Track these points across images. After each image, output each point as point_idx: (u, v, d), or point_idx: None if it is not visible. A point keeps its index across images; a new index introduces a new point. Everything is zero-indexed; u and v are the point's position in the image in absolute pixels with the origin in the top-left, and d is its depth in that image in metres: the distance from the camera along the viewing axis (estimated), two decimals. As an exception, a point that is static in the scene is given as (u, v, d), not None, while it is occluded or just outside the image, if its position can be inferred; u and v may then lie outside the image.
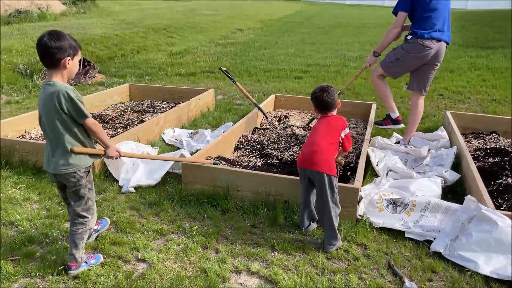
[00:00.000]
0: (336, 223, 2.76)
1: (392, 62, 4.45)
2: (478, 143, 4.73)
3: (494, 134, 4.92)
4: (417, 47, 4.21)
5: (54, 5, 16.14)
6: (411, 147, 4.42)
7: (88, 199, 2.52)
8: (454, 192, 3.58)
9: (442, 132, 4.50)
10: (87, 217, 2.53)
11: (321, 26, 16.29)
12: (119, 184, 3.64)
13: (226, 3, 24.10)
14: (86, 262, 2.57)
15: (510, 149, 4.33)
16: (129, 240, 2.84)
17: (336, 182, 2.78)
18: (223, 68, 5.17)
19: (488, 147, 4.54)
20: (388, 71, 4.57)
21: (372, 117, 4.93)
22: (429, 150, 4.25)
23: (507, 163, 3.97)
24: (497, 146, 4.53)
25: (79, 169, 2.40)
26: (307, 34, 14.16)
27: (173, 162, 3.72)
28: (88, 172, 2.49)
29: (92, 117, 2.36)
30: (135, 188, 3.59)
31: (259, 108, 5.12)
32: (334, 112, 2.99)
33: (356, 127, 5.17)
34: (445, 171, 3.68)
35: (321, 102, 2.91)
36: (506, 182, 3.54)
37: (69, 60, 2.29)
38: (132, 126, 5.02)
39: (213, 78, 8.36)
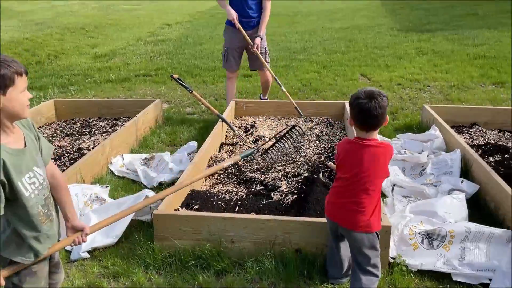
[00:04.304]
0: None
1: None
2: (464, 138, 4.35)
3: (476, 127, 4.59)
4: None
5: None
6: (404, 151, 3.92)
7: None
8: (473, 206, 3.09)
9: (435, 132, 4.04)
10: None
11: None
12: (66, 248, 2.70)
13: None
14: None
15: (509, 145, 3.99)
16: None
17: (377, 240, 2.13)
18: (175, 76, 4.29)
19: (479, 143, 4.18)
20: None
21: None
22: (428, 155, 3.77)
23: (510, 162, 3.61)
24: (488, 141, 4.19)
25: None
26: (241, 26, 13.43)
27: (135, 211, 2.84)
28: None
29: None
30: (89, 252, 2.68)
31: (223, 120, 4.34)
32: (376, 134, 2.09)
33: (334, 134, 4.56)
34: (462, 182, 3.20)
35: (366, 113, 1.98)
36: (529, 188, 3.13)
37: None
38: (68, 156, 4.02)
39: (150, 83, 7.36)
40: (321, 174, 3.40)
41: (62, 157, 3.99)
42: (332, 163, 2.93)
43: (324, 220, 2.49)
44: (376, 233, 2.11)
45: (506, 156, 3.75)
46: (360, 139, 2.07)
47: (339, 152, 2.18)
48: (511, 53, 7.92)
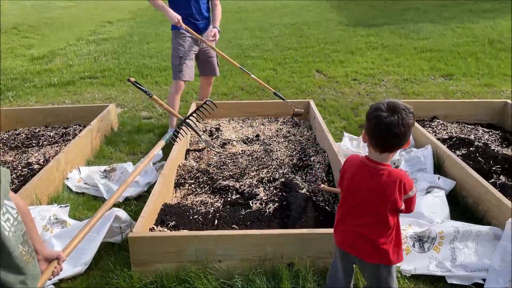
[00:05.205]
0: None
1: None
2: (428, 132, 4.41)
3: (437, 120, 4.68)
4: None
5: None
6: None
7: None
8: (450, 202, 3.09)
9: (403, 129, 4.04)
10: None
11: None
12: (27, 282, 2.37)
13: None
14: None
15: (471, 137, 4.08)
16: None
17: (394, 270, 1.90)
18: (132, 79, 3.97)
19: (443, 136, 4.25)
20: None
21: (319, 117, 4.26)
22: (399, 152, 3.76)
23: (477, 155, 3.69)
24: (450, 134, 4.28)
25: None
26: (188, 23, 13.04)
27: (104, 233, 2.56)
28: None
29: None
30: (55, 284, 2.37)
31: (187, 124, 4.09)
32: (390, 158, 1.75)
33: (302, 134, 4.46)
34: (438, 179, 3.20)
35: (385, 129, 1.64)
36: (501, 181, 3.20)
37: None
38: (16, 173, 3.61)
39: (98, 85, 6.89)
40: (298, 178, 3.28)
41: (11, 175, 3.57)
42: (324, 186, 2.79)
43: (315, 231, 2.38)
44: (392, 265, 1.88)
45: (471, 149, 3.83)
46: (371, 162, 1.76)
47: (345, 168, 1.88)
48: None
